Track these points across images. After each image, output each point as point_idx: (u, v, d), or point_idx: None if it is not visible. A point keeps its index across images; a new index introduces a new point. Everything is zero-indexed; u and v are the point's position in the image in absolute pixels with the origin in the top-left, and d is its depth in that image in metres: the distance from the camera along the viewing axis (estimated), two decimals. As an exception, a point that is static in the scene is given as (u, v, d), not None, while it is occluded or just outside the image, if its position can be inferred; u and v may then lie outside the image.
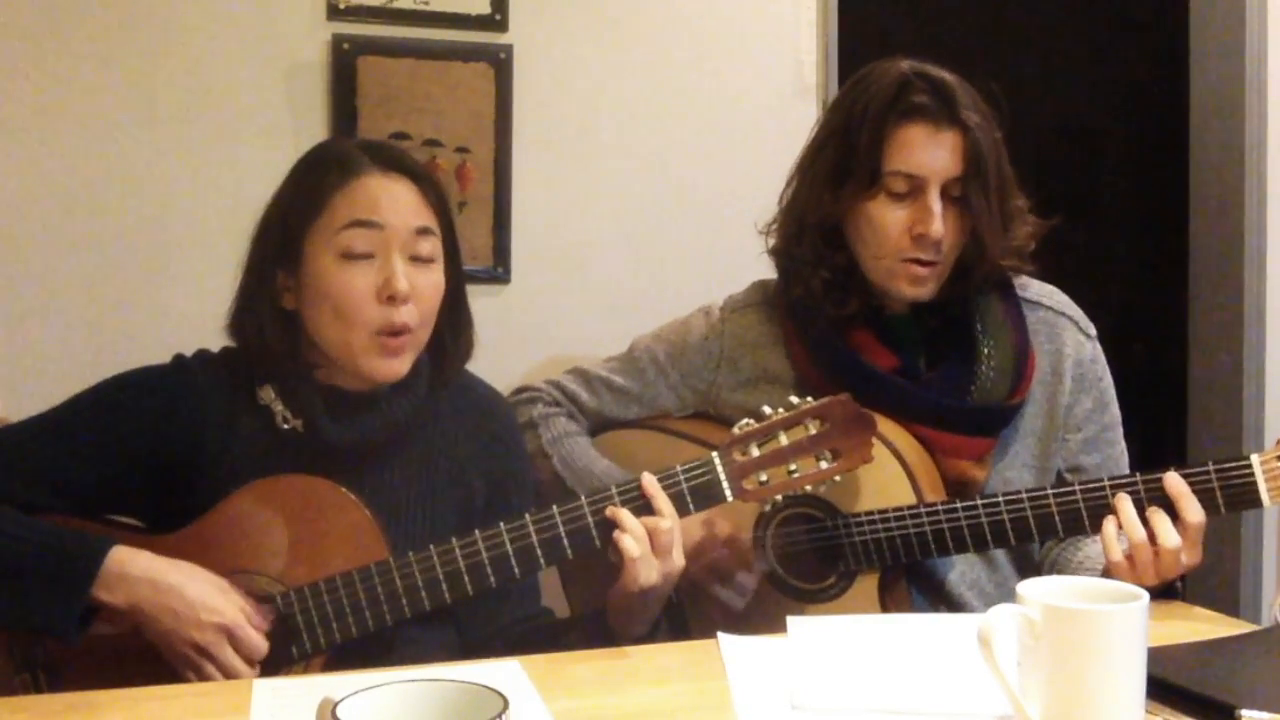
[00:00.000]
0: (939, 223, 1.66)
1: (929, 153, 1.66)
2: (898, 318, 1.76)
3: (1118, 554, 1.50)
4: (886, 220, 1.68)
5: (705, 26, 2.42)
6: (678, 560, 1.45)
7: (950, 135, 1.66)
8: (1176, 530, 1.47)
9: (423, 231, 1.50)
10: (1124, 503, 1.50)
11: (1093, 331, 1.81)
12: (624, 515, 1.44)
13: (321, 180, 1.51)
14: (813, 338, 1.76)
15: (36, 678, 1.44)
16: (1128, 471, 1.62)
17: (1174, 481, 1.49)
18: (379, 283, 1.47)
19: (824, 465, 1.49)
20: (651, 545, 1.43)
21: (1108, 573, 1.51)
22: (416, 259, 1.49)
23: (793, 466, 1.49)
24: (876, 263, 1.71)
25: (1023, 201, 1.76)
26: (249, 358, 1.54)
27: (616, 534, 1.43)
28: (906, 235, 1.68)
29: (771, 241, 1.83)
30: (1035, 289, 1.82)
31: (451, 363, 1.61)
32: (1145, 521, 1.48)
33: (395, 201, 1.49)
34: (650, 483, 1.46)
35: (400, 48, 2.24)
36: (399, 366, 1.50)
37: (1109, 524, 1.51)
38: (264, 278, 1.52)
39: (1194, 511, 1.47)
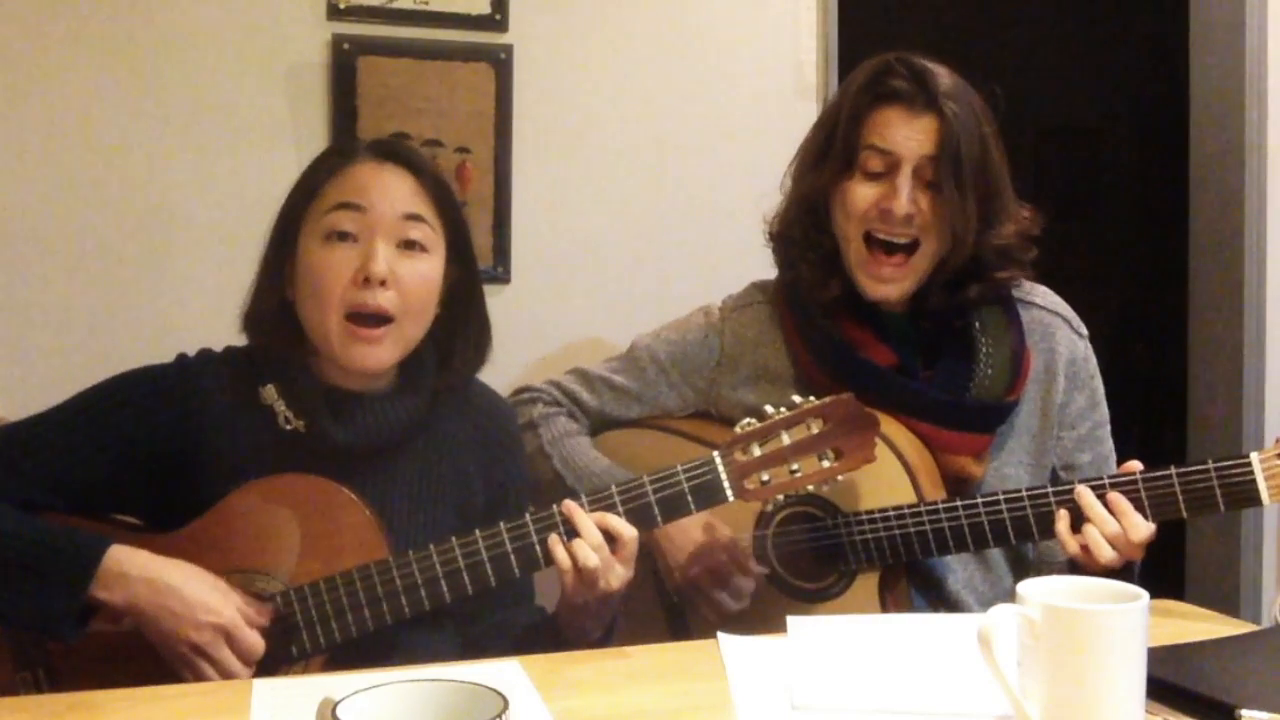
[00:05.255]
0: (904, 198, 1.67)
1: (903, 133, 1.68)
2: (894, 316, 1.77)
3: (1075, 547, 1.52)
4: (856, 196, 1.71)
5: (705, 27, 2.42)
6: (625, 575, 1.46)
7: (926, 119, 1.68)
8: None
9: (412, 217, 1.49)
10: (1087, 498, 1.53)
11: (1084, 331, 1.82)
12: (579, 517, 1.43)
13: (318, 168, 1.54)
14: (809, 332, 1.77)
15: (37, 677, 1.45)
16: (1115, 470, 1.64)
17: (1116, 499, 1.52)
18: (358, 265, 1.46)
19: (826, 465, 1.48)
20: (615, 552, 1.44)
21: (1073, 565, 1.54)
22: (406, 246, 1.49)
23: (794, 466, 1.48)
24: (848, 244, 1.73)
25: (1025, 210, 1.77)
26: (256, 355, 1.55)
27: (576, 543, 1.43)
28: (874, 209, 1.70)
29: (771, 230, 1.85)
30: (1028, 289, 1.83)
31: (460, 367, 1.60)
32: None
33: (385, 187, 1.49)
34: (571, 509, 1.45)
35: (400, 48, 2.24)
36: (379, 354, 1.49)
37: (1061, 522, 1.54)
38: (271, 270, 1.53)
39: (1106, 523, 1.51)
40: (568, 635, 1.51)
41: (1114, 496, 1.52)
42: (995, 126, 1.74)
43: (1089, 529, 1.51)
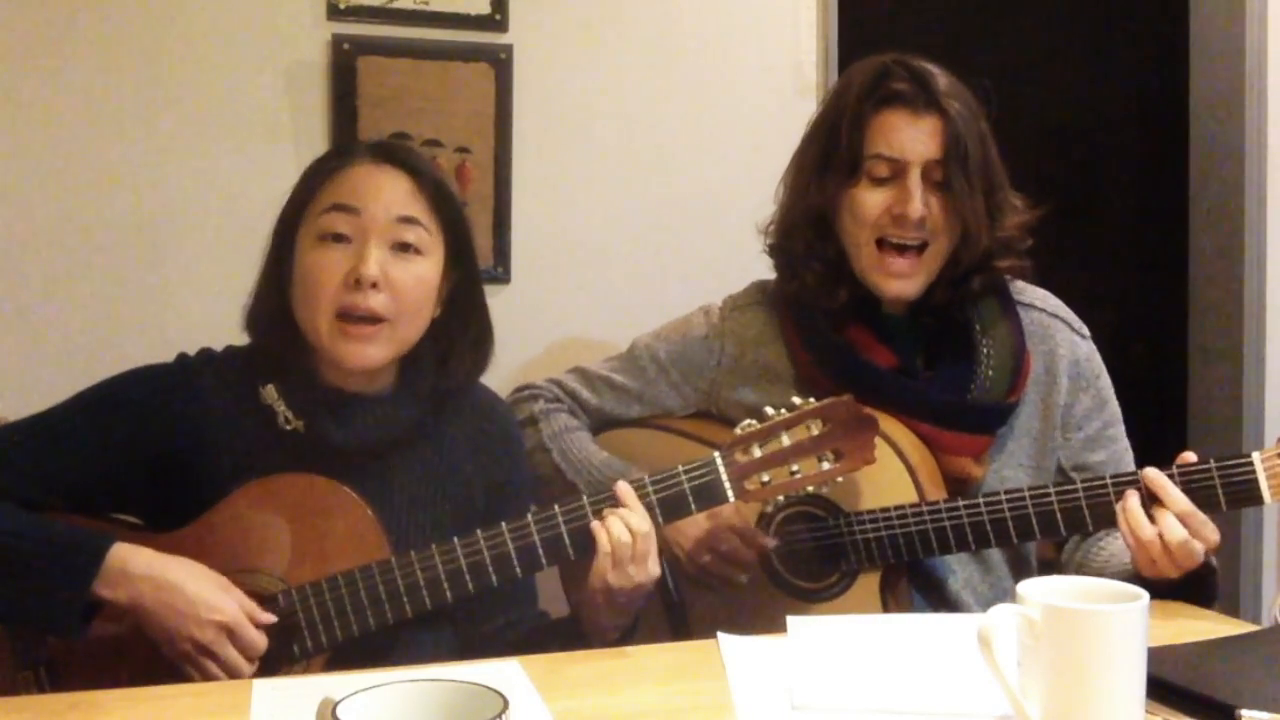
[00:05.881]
0: (918, 202, 1.67)
1: (908, 136, 1.68)
2: (895, 318, 1.77)
3: (1150, 532, 1.47)
4: (867, 203, 1.70)
5: (705, 27, 2.42)
6: (653, 569, 1.45)
7: (930, 120, 1.68)
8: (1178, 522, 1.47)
9: (407, 220, 1.49)
10: (1129, 502, 1.49)
11: (1086, 332, 1.82)
12: (630, 498, 1.45)
13: (316, 170, 1.54)
14: (810, 333, 1.77)
15: (38, 676, 1.45)
16: (1134, 468, 1.62)
17: (1153, 475, 1.49)
18: (350, 266, 1.46)
19: (826, 466, 1.49)
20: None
21: (1134, 569, 1.51)
22: (400, 248, 1.49)
23: (795, 467, 1.49)
24: (858, 250, 1.73)
25: (1019, 200, 1.77)
26: (256, 354, 1.55)
27: (615, 519, 1.43)
28: (886, 215, 1.70)
29: (769, 240, 1.84)
30: (1028, 292, 1.83)
31: (459, 370, 1.60)
32: (1151, 519, 1.48)
33: (379, 189, 1.49)
34: (625, 491, 1.46)
35: (400, 48, 2.24)
36: (370, 352, 1.48)
37: (1132, 499, 1.49)
38: (271, 271, 1.54)
39: (1178, 501, 1.47)
40: (587, 631, 1.51)
41: (1158, 508, 1.48)
42: (989, 122, 1.74)
43: (1160, 511, 1.47)
